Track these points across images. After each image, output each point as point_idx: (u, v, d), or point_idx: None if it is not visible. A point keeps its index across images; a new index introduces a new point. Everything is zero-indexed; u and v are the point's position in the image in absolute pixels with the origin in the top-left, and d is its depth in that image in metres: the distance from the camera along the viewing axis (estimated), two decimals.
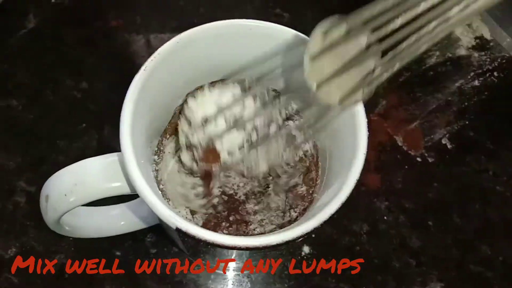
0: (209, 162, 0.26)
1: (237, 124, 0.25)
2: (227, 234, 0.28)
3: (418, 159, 0.41)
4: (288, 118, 0.31)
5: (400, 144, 0.42)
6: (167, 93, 0.28)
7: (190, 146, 0.26)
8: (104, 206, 0.31)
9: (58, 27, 0.46)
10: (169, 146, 0.32)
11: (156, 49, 0.25)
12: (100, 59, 0.45)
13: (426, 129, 0.43)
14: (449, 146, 0.42)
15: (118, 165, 0.23)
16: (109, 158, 0.24)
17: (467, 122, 0.43)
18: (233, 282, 0.36)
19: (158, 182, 0.30)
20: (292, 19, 0.48)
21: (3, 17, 0.46)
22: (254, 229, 0.29)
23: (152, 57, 0.24)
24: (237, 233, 0.29)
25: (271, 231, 0.29)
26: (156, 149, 0.30)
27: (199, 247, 0.32)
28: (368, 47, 0.18)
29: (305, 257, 0.36)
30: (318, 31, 0.18)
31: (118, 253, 0.36)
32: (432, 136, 0.43)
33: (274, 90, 0.31)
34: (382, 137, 0.42)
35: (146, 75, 0.24)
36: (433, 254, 0.38)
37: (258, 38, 0.27)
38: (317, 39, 0.18)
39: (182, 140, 0.27)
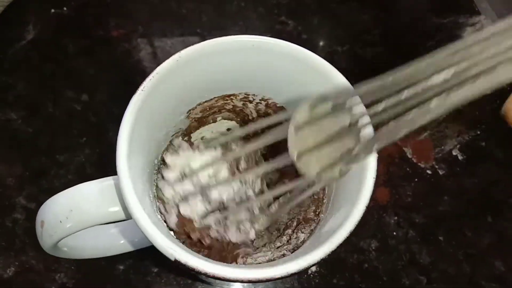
0: (184, 228, 0.26)
1: (203, 191, 0.26)
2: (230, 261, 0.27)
3: (428, 171, 0.40)
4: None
5: (409, 156, 0.41)
6: (168, 111, 0.27)
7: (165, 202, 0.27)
8: (103, 225, 0.30)
9: (58, 38, 0.45)
10: None
11: (159, 59, 0.24)
12: (101, 70, 0.44)
13: (436, 140, 0.42)
14: (460, 158, 0.41)
15: (115, 189, 0.22)
16: (105, 182, 0.23)
17: (478, 132, 0.42)
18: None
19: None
20: (297, 26, 0.47)
21: (2, 28, 0.45)
22: (261, 255, 0.28)
23: (150, 77, 0.23)
24: (242, 256, 0.28)
25: (277, 253, 0.28)
26: (157, 167, 0.29)
27: None
28: (350, 125, 0.19)
29: (311, 275, 0.35)
30: (306, 104, 0.19)
31: (120, 269, 0.35)
32: (442, 147, 0.41)
33: (280, 107, 0.30)
34: (390, 149, 0.41)
35: (144, 96, 0.23)
36: (444, 270, 0.36)
37: (261, 53, 0.26)
38: (304, 111, 0.19)
39: (159, 194, 0.27)
